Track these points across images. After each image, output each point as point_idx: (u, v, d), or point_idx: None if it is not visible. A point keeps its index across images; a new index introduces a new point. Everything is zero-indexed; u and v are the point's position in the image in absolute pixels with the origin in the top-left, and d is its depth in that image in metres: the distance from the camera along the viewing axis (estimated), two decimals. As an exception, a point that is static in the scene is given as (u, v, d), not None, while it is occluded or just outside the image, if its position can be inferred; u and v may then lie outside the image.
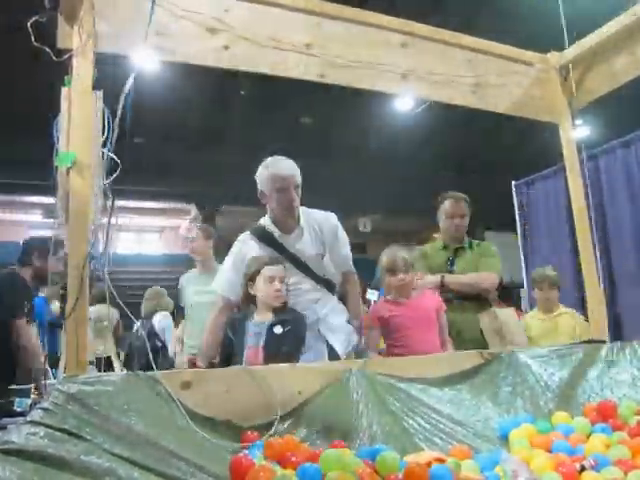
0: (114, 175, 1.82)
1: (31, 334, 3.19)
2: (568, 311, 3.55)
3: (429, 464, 1.43)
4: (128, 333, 5.75)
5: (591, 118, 11.22)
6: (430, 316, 2.56)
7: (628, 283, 4.01)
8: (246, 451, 1.50)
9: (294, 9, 2.36)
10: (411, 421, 1.79)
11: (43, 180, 1.78)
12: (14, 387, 2.87)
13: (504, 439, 1.85)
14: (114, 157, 1.81)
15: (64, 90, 1.85)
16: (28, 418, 1.34)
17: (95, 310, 4.09)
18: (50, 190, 1.84)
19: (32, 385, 2.76)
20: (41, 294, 6.02)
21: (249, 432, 1.63)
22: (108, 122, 1.86)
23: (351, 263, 2.67)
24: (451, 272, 3.08)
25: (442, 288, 2.96)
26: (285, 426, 1.71)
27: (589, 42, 2.85)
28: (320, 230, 2.57)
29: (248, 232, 2.55)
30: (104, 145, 1.83)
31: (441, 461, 1.47)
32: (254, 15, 2.28)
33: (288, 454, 1.46)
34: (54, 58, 1.79)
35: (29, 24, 1.74)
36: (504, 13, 9.85)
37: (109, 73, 1.97)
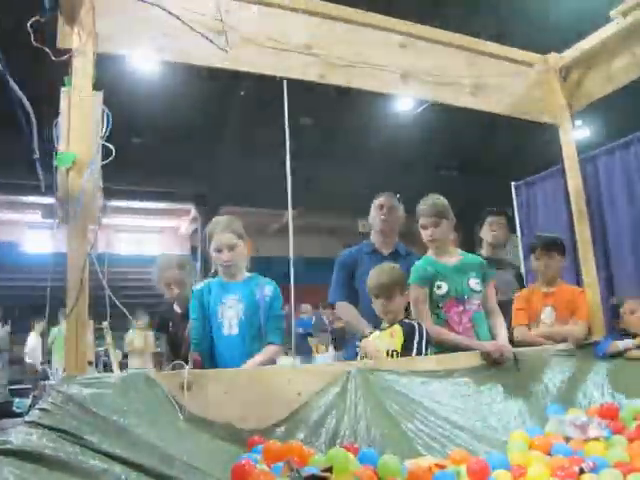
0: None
1: None
2: None
3: (430, 469, 1.43)
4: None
5: (591, 119, 11.23)
6: None
7: (627, 284, 4.00)
8: (247, 455, 1.50)
9: (294, 10, 2.36)
10: (410, 424, 1.79)
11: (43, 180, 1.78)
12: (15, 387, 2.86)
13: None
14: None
15: (64, 90, 1.85)
16: (27, 419, 1.34)
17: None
18: (50, 190, 1.84)
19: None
20: None
21: (256, 437, 1.62)
22: (108, 122, 1.85)
23: None
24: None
25: None
26: (285, 428, 1.71)
27: (589, 43, 2.85)
28: None
29: None
30: (103, 145, 1.83)
31: (441, 467, 1.47)
32: (255, 16, 2.28)
33: (288, 458, 1.45)
34: (54, 58, 1.79)
35: (29, 24, 1.74)
36: (504, 14, 9.85)
37: (110, 73, 1.96)
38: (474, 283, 2.51)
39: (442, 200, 2.62)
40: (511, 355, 2.27)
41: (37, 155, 1.61)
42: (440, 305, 2.47)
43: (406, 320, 2.31)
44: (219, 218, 2.48)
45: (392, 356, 2.22)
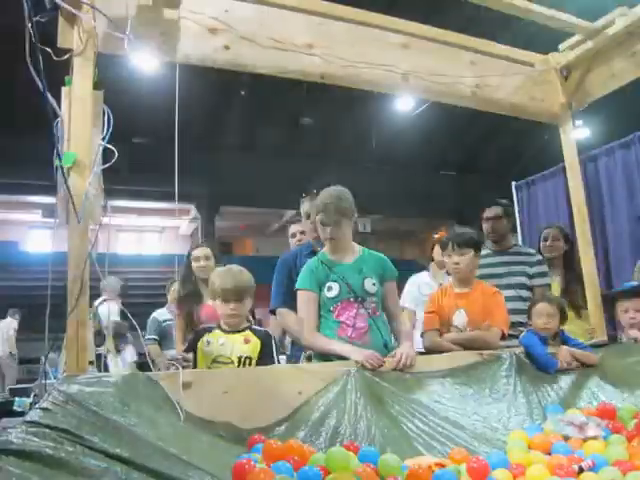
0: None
1: None
2: None
3: (430, 468, 1.43)
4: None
5: (591, 119, 11.22)
6: None
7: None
8: (247, 454, 1.50)
9: (295, 9, 2.36)
10: (409, 424, 1.79)
11: (43, 180, 1.78)
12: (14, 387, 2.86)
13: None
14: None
15: (64, 90, 1.85)
16: (27, 418, 1.34)
17: None
18: (50, 190, 1.84)
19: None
20: None
21: (256, 435, 1.62)
22: (108, 122, 1.85)
23: None
24: None
25: None
26: (285, 427, 1.71)
27: (589, 43, 2.85)
28: None
29: None
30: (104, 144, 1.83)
31: (441, 466, 1.47)
32: (255, 15, 2.28)
33: (287, 457, 1.45)
34: (54, 58, 1.79)
35: (29, 24, 1.74)
36: (504, 14, 9.85)
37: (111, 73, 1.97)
38: (370, 284, 2.24)
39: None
40: (382, 364, 1.98)
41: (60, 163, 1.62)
42: (331, 309, 2.23)
43: (257, 327, 2.24)
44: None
45: (244, 364, 2.09)
